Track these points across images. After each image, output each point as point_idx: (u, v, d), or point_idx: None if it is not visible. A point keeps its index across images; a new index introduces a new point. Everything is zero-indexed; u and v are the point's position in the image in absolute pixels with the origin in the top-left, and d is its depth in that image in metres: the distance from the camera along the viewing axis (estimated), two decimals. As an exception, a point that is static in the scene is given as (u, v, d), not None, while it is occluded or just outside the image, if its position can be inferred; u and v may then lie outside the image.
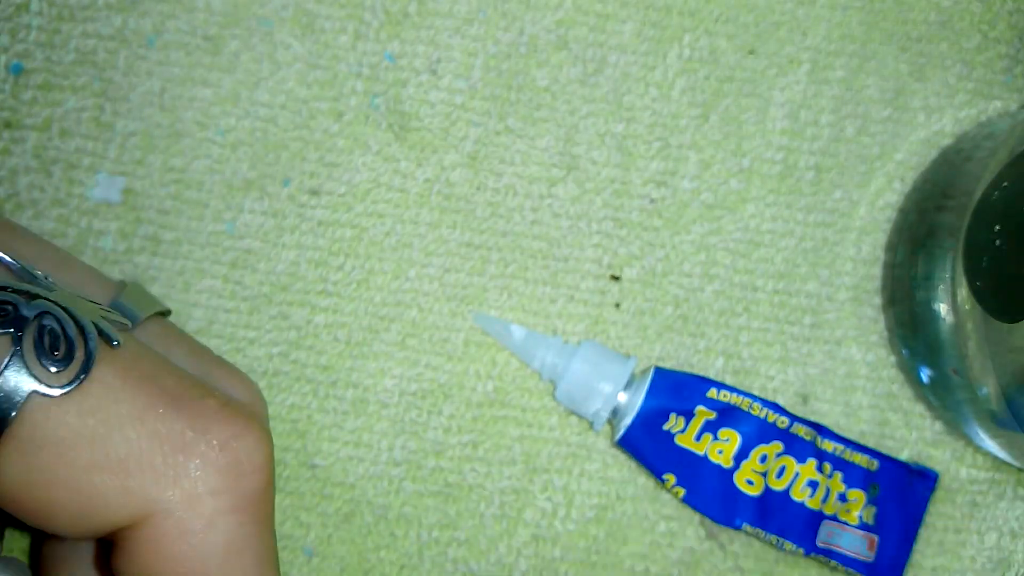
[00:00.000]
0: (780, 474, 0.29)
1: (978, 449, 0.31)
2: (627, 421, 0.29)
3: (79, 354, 0.18)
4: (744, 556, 0.31)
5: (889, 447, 0.31)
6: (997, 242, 0.26)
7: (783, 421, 0.30)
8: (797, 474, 0.29)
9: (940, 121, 0.32)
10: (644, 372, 0.30)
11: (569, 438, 0.31)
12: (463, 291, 0.31)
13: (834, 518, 0.30)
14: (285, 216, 0.30)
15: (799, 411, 0.31)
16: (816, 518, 0.29)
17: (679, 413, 0.29)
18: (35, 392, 0.18)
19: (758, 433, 0.29)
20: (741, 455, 0.29)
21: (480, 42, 0.31)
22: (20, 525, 0.25)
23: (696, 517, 0.31)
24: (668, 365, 0.31)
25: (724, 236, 0.31)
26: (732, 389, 0.30)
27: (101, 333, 0.19)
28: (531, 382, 0.31)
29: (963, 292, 0.27)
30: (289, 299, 0.30)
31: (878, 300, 0.31)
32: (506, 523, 0.31)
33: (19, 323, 0.18)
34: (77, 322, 0.19)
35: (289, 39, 0.30)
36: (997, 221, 0.27)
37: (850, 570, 0.30)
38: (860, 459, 0.30)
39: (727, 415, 0.29)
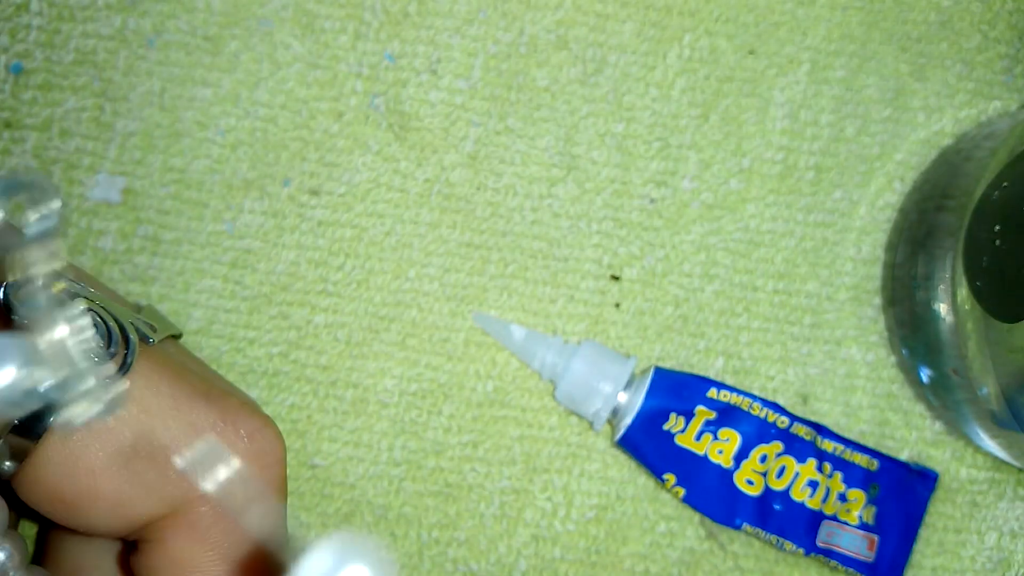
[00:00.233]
0: (780, 474, 0.29)
1: (978, 449, 0.31)
2: (627, 421, 0.29)
3: (121, 348, 0.19)
4: (744, 556, 0.31)
5: (889, 447, 0.31)
6: (997, 242, 0.26)
7: (783, 421, 0.30)
8: (797, 474, 0.29)
9: (940, 121, 0.32)
10: (644, 372, 0.30)
11: (569, 438, 0.31)
12: (463, 291, 0.31)
13: (834, 518, 0.30)
14: (285, 216, 0.30)
15: (799, 411, 0.31)
16: (816, 518, 0.29)
17: (679, 413, 0.29)
18: None
19: (758, 433, 0.29)
20: (741, 455, 0.29)
21: (480, 42, 0.31)
22: (31, 515, 0.25)
23: (696, 517, 0.31)
24: (668, 365, 0.31)
25: (724, 236, 0.31)
26: (732, 389, 0.30)
27: (138, 331, 0.20)
28: (531, 382, 0.31)
29: (963, 292, 0.27)
30: (289, 299, 0.30)
31: (878, 300, 0.31)
32: (506, 523, 0.31)
33: None
34: (116, 320, 0.20)
35: (289, 39, 0.30)
36: (997, 221, 0.27)
37: (850, 570, 0.30)
38: (860, 459, 0.30)
39: (727, 415, 0.29)
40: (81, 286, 0.21)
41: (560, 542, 0.31)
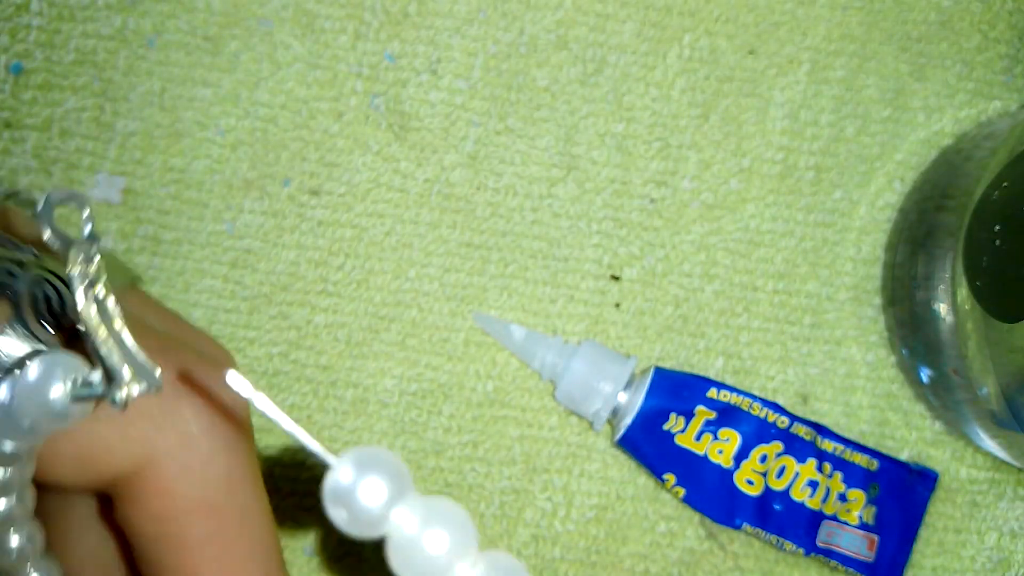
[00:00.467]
0: (780, 474, 0.29)
1: (978, 449, 0.31)
2: (627, 421, 0.29)
3: (71, 314, 0.19)
4: (744, 556, 0.31)
5: (889, 447, 0.31)
6: (997, 242, 0.26)
7: (783, 421, 0.30)
8: (797, 474, 0.29)
9: (940, 121, 0.32)
10: (644, 372, 0.30)
11: (569, 438, 0.31)
12: (463, 291, 0.31)
13: (834, 518, 0.30)
14: (285, 216, 0.30)
15: (799, 411, 0.31)
16: (816, 518, 0.29)
17: (679, 413, 0.29)
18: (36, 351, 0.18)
19: (758, 433, 0.29)
20: (741, 455, 0.29)
21: (480, 42, 0.31)
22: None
23: (696, 517, 0.31)
24: (668, 365, 0.31)
25: (724, 236, 0.31)
26: (732, 389, 0.30)
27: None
28: (531, 382, 0.31)
29: (963, 292, 0.27)
30: (289, 299, 0.30)
31: (878, 300, 0.31)
32: (506, 523, 0.31)
33: (15, 291, 0.19)
34: (68, 285, 0.19)
35: (289, 39, 0.30)
36: (997, 221, 0.27)
37: (850, 570, 0.30)
38: (860, 459, 0.30)
39: (727, 415, 0.29)
40: (29, 249, 0.22)
41: (560, 542, 0.31)
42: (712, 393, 0.29)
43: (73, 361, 0.17)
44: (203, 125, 0.30)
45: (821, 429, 0.30)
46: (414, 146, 0.31)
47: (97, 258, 0.18)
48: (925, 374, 0.30)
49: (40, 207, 0.17)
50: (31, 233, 0.23)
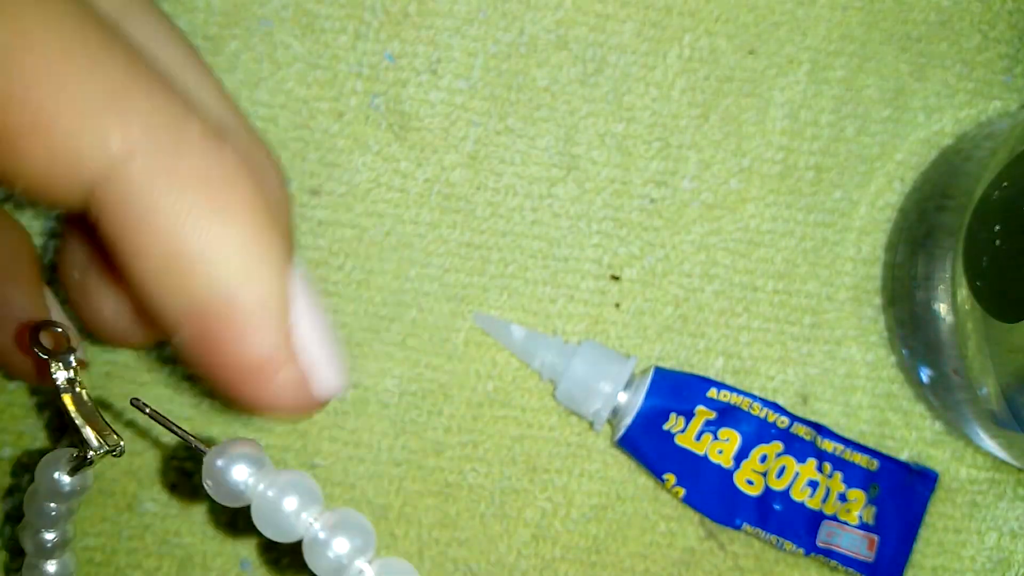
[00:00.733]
0: (780, 474, 0.29)
1: (978, 449, 0.31)
2: (627, 421, 0.29)
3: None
4: (744, 556, 0.31)
5: (889, 447, 0.31)
6: (997, 242, 0.26)
7: (783, 421, 0.30)
8: (797, 474, 0.29)
9: (940, 121, 0.32)
10: (644, 372, 0.30)
11: (569, 438, 0.31)
12: (463, 291, 0.31)
13: (834, 518, 0.30)
14: (285, 216, 0.30)
15: (799, 411, 0.31)
16: (816, 518, 0.29)
17: (679, 413, 0.29)
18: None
19: (758, 433, 0.29)
20: (741, 455, 0.29)
21: (480, 42, 0.31)
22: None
23: (696, 517, 0.31)
24: (668, 365, 0.31)
25: (724, 236, 0.31)
26: (732, 389, 0.30)
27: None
28: (531, 382, 0.31)
29: (963, 292, 0.27)
30: (289, 299, 0.30)
31: (878, 300, 0.31)
32: (506, 523, 0.31)
33: None
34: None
35: (289, 39, 0.30)
36: (997, 221, 0.27)
37: (850, 570, 0.30)
38: (860, 459, 0.30)
39: (727, 415, 0.29)
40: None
41: (560, 542, 0.31)
42: (712, 393, 0.29)
43: (65, 452, 0.22)
44: (203, 125, 0.30)
45: (821, 429, 0.30)
46: (414, 146, 0.31)
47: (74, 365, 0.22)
48: (925, 374, 0.30)
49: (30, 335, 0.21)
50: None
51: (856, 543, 0.30)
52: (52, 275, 0.25)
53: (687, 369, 0.31)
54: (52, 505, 0.23)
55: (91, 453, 0.20)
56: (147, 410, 0.20)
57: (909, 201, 0.31)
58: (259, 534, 0.18)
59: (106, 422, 0.21)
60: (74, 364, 0.21)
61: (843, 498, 0.30)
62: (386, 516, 0.30)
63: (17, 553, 0.29)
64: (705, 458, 0.29)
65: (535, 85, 0.31)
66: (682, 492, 0.29)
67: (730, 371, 0.31)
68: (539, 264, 0.31)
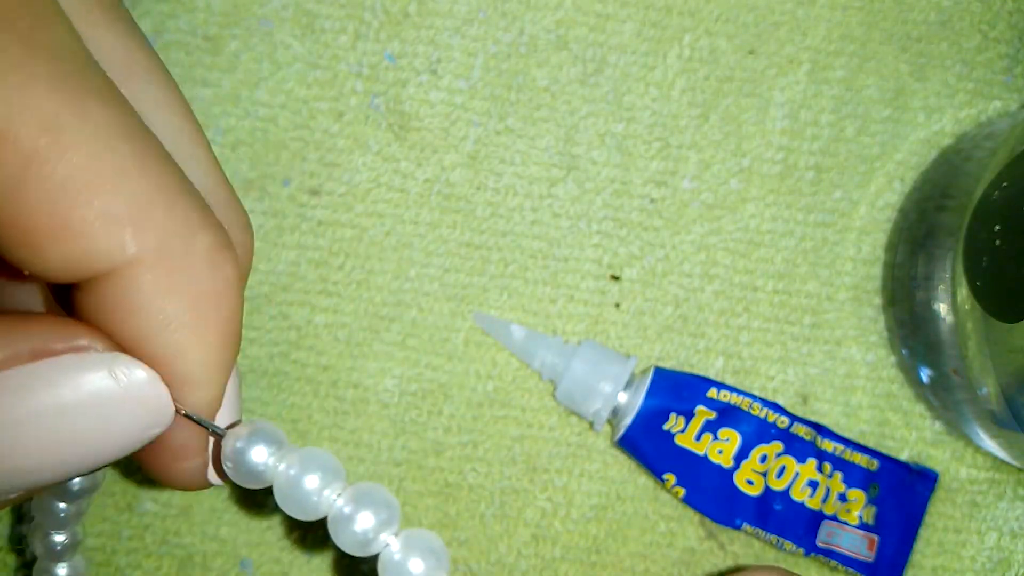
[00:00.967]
0: (780, 474, 0.29)
1: (978, 449, 0.31)
2: (627, 421, 0.29)
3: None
4: (744, 556, 0.31)
5: (889, 447, 0.31)
6: (997, 242, 0.26)
7: (783, 421, 0.30)
8: (797, 474, 0.29)
9: (940, 121, 0.32)
10: (644, 372, 0.30)
11: (569, 438, 0.31)
12: (463, 291, 0.31)
13: (834, 518, 0.30)
14: (285, 216, 0.30)
15: (799, 411, 0.31)
16: (816, 518, 0.29)
17: (679, 413, 0.29)
18: None
19: (758, 433, 0.29)
20: (741, 455, 0.29)
21: (480, 42, 0.31)
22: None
23: (696, 517, 0.31)
24: (668, 365, 0.31)
25: (724, 236, 0.31)
26: (732, 389, 0.30)
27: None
28: (531, 382, 0.31)
29: (963, 292, 0.27)
30: (289, 299, 0.30)
31: (878, 300, 0.31)
32: (506, 523, 0.31)
33: None
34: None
35: (289, 39, 0.30)
36: (997, 221, 0.27)
37: (850, 570, 0.30)
38: (860, 459, 0.30)
39: (727, 415, 0.29)
40: None
41: (560, 542, 0.31)
42: (712, 393, 0.29)
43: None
44: (203, 125, 0.30)
45: (821, 429, 0.30)
46: (414, 146, 0.31)
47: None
48: (925, 374, 0.30)
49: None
50: None
51: (856, 543, 0.30)
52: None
53: (687, 369, 0.31)
54: (61, 505, 0.23)
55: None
56: None
57: (909, 201, 0.31)
58: (281, 513, 0.18)
59: None
60: None
61: (843, 498, 0.30)
62: (386, 516, 0.30)
63: (24, 555, 0.29)
64: (705, 458, 0.29)
65: (535, 85, 0.31)
66: (682, 492, 0.29)
67: (730, 371, 0.31)
68: (539, 264, 0.31)
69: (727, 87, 0.31)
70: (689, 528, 0.31)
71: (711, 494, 0.29)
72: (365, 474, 0.30)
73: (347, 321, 0.30)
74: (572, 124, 0.31)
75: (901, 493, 0.30)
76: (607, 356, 0.30)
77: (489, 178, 0.31)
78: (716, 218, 0.31)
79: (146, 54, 0.20)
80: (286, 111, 0.30)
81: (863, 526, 0.30)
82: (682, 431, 0.29)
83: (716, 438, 0.29)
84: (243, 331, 0.30)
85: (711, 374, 0.31)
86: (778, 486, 0.29)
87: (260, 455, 0.18)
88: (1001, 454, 0.29)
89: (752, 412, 0.29)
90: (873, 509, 0.30)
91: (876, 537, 0.30)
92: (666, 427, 0.29)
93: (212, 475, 0.19)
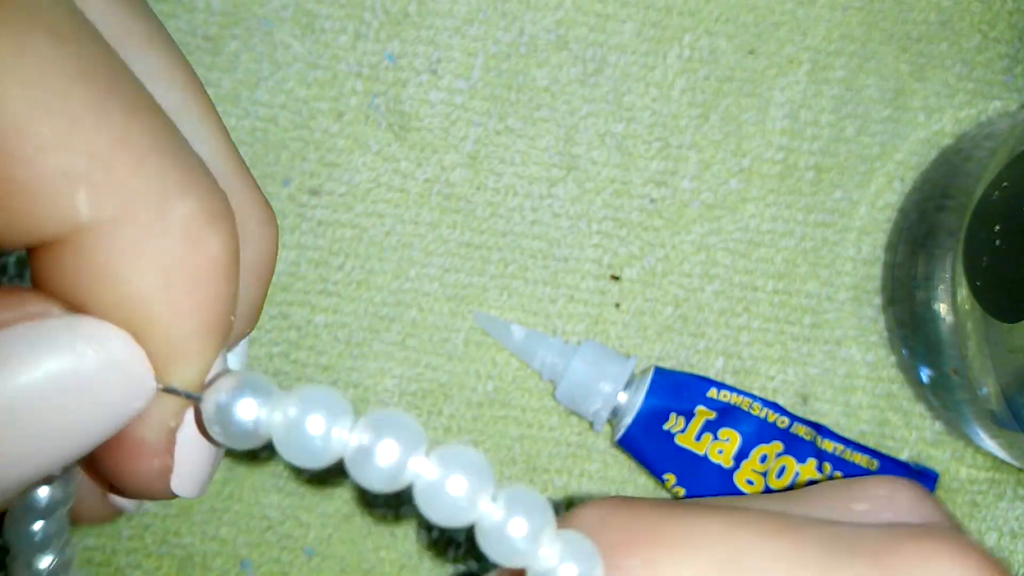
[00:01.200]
0: (780, 474, 0.29)
1: (978, 449, 0.31)
2: (627, 421, 0.29)
3: None
4: (744, 556, 0.31)
5: (889, 447, 0.31)
6: (997, 242, 0.26)
7: (783, 421, 0.30)
8: (797, 474, 0.29)
9: (940, 121, 0.32)
10: (644, 372, 0.30)
11: (569, 438, 0.31)
12: (463, 291, 0.31)
13: (834, 518, 0.30)
14: (285, 216, 0.30)
15: (799, 411, 0.31)
16: (816, 518, 0.29)
17: (679, 413, 0.29)
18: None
19: (758, 433, 0.29)
20: (741, 455, 0.29)
21: (480, 42, 0.31)
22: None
23: (696, 517, 0.31)
24: (668, 365, 0.31)
25: (724, 236, 0.31)
26: (732, 389, 0.30)
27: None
28: (531, 382, 0.31)
29: (963, 292, 0.27)
30: (289, 299, 0.30)
31: (878, 300, 0.31)
32: (506, 523, 0.31)
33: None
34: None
35: (289, 39, 0.30)
36: (997, 221, 0.27)
37: (850, 570, 0.30)
38: (860, 459, 0.30)
39: (727, 415, 0.29)
40: None
41: (560, 542, 0.31)
42: (712, 393, 0.29)
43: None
44: (203, 125, 0.30)
45: (821, 429, 0.30)
46: (414, 146, 0.31)
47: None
48: (925, 374, 0.30)
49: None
50: None
51: (856, 543, 0.30)
52: None
53: (687, 369, 0.31)
54: (35, 527, 0.20)
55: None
56: None
57: (909, 201, 0.31)
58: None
59: None
60: None
61: (843, 498, 0.30)
62: (386, 516, 0.30)
63: None
64: (705, 458, 0.29)
65: (535, 85, 0.31)
66: (682, 492, 0.29)
67: (730, 371, 0.31)
68: (539, 264, 0.31)
69: (727, 87, 0.31)
70: (689, 528, 0.31)
71: (711, 494, 0.29)
72: (365, 474, 0.30)
73: (347, 321, 0.30)
74: (572, 124, 0.31)
75: (901, 493, 0.30)
76: (607, 356, 0.30)
77: (489, 178, 0.31)
78: (716, 218, 0.31)
79: (145, 22, 0.18)
80: (286, 111, 0.30)
81: (863, 526, 0.30)
82: (682, 431, 0.29)
83: (716, 438, 0.29)
84: (243, 331, 0.30)
85: (711, 374, 0.31)
86: (778, 486, 0.29)
87: (249, 409, 0.15)
88: (1001, 454, 0.29)
89: (752, 412, 0.29)
90: (873, 509, 0.30)
91: (876, 537, 0.30)
92: (666, 427, 0.29)
93: (177, 484, 0.17)
